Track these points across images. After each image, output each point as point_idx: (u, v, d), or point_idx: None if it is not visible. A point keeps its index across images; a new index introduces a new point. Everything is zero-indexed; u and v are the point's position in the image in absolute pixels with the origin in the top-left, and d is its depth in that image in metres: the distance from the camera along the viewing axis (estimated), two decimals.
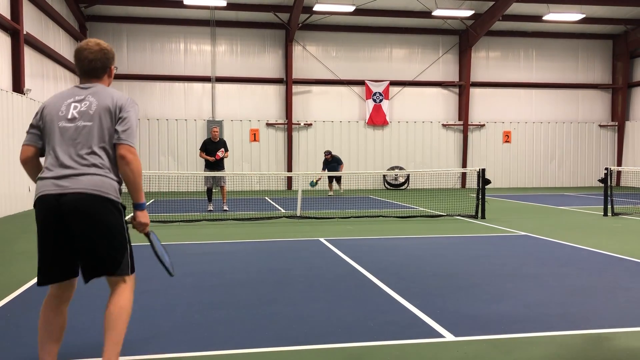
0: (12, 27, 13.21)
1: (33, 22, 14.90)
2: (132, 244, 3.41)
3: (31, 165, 3.29)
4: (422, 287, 5.58)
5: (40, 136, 3.24)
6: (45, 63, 16.03)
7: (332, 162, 18.15)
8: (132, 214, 3.40)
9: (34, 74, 14.98)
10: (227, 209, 12.92)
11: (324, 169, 18.37)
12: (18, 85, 13.44)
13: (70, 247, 3.18)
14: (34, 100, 14.06)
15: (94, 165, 3.12)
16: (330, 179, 17.82)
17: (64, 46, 17.90)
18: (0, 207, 11.78)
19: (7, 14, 13.06)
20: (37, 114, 3.28)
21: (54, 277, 3.30)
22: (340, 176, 18.14)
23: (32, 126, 3.25)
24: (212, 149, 12.78)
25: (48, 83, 16.26)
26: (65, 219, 3.08)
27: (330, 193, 17.50)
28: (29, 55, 14.56)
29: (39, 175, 3.19)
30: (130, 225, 3.40)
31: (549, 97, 23.57)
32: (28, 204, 13.23)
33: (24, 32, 13.76)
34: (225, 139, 17.13)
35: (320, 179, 18.14)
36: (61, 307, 3.39)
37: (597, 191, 18.91)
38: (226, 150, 12.91)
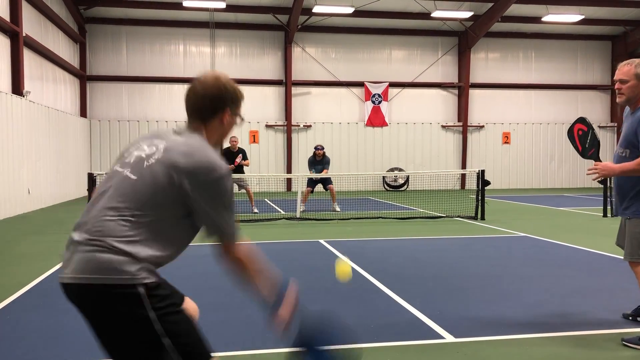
0: (12, 29, 13.22)
1: (32, 24, 14.90)
2: None
3: None
4: (422, 289, 5.59)
5: None
6: (44, 65, 16.03)
7: (320, 163, 13.58)
8: None
9: (33, 76, 14.98)
10: (257, 211, 12.88)
11: (310, 168, 13.66)
12: (17, 87, 13.44)
13: None
14: (33, 103, 14.06)
15: None
16: (314, 184, 13.34)
17: (64, 48, 17.90)
18: (1, 209, 11.77)
19: (6, 16, 13.07)
20: None
21: None
22: (330, 181, 13.30)
23: None
24: (233, 158, 12.61)
25: (47, 85, 16.27)
26: None
27: (302, 208, 12.47)
28: (28, 58, 14.57)
29: None
30: None
31: (548, 98, 23.59)
32: (27, 207, 13.24)
33: (24, 34, 13.77)
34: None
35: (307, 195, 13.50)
36: None
37: (597, 192, 18.92)
38: (245, 158, 12.78)
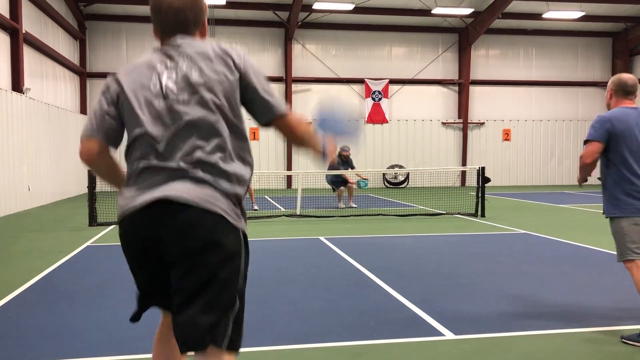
0: (11, 26, 13.20)
1: (32, 21, 14.88)
2: None
3: None
4: (422, 286, 5.59)
5: None
6: (44, 62, 16.02)
7: (345, 164, 13.68)
8: None
9: (33, 73, 14.97)
10: (257, 207, 12.95)
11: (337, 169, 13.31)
12: (17, 84, 13.43)
13: None
14: (33, 100, 14.05)
15: None
16: (343, 183, 13.41)
17: (63, 45, 17.88)
18: (1, 206, 11.78)
19: (6, 13, 13.05)
20: None
21: None
22: (347, 182, 13.43)
23: None
24: None
25: (47, 82, 16.25)
26: None
27: (342, 205, 13.23)
28: (28, 55, 14.55)
29: None
30: None
31: (548, 95, 23.57)
32: (27, 204, 13.24)
33: (23, 31, 13.75)
34: None
35: (367, 178, 13.92)
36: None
37: (597, 189, 18.90)
38: None
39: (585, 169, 4.22)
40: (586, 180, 4.36)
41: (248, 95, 2.19)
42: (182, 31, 2.31)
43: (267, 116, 2.24)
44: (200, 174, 2.08)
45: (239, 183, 2.17)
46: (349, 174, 13.38)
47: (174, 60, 2.21)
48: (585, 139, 4.18)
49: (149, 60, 2.29)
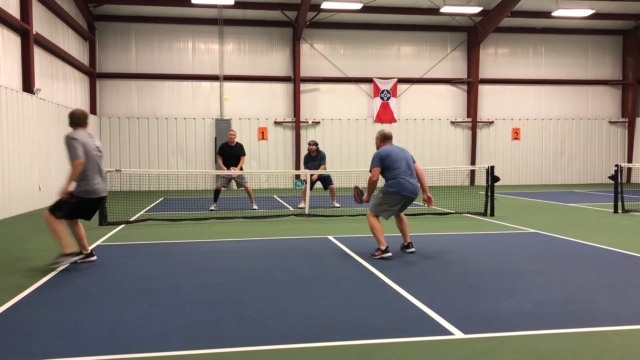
0: (22, 27, 13.31)
1: (42, 22, 14.99)
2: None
3: None
4: (431, 285, 5.58)
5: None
6: (54, 63, 16.13)
7: (315, 159, 13.14)
8: None
9: (44, 73, 15.08)
10: (257, 207, 12.85)
11: (306, 167, 13.25)
12: (28, 85, 13.54)
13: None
14: (43, 100, 14.15)
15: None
16: (312, 183, 12.95)
17: (73, 46, 18.00)
18: (13, 206, 11.88)
19: (16, 14, 13.15)
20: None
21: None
22: (330, 181, 13.20)
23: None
24: (230, 152, 12.64)
25: (57, 83, 16.37)
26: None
27: (302, 205, 12.55)
28: (39, 55, 14.66)
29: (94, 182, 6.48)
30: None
31: (558, 94, 23.43)
32: (39, 203, 13.34)
33: (34, 32, 13.85)
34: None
35: (306, 180, 12.81)
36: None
37: (607, 188, 18.79)
38: (243, 154, 12.77)
39: None
40: None
41: None
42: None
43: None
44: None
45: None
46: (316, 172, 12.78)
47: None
48: None
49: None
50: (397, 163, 6.95)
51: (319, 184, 13.28)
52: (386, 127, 8.43)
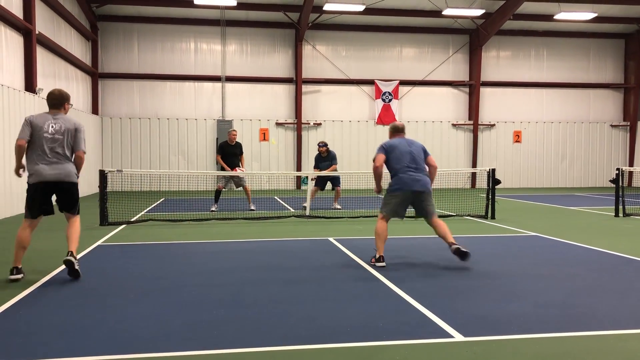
0: (25, 27, 13.33)
1: (45, 22, 15.02)
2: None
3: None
4: (432, 287, 5.58)
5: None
6: (57, 63, 16.16)
7: (325, 159, 13.17)
8: None
9: (46, 73, 15.10)
10: (254, 208, 12.85)
11: (315, 167, 13.43)
12: (30, 84, 13.56)
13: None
14: (45, 100, 14.16)
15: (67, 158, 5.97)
16: (323, 183, 13.03)
17: (76, 46, 18.03)
18: (14, 205, 11.90)
19: (19, 14, 13.18)
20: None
21: (39, 214, 6.04)
22: (339, 182, 13.10)
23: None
24: (230, 151, 12.65)
25: (60, 83, 16.39)
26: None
27: (306, 205, 12.21)
28: (41, 55, 14.68)
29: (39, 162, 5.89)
30: None
31: (559, 97, 23.43)
32: None
33: (36, 32, 13.88)
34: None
35: (314, 179, 13.19)
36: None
37: (608, 192, 18.78)
38: (241, 152, 12.82)
39: None
40: None
41: None
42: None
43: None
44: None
45: None
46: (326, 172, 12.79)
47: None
48: None
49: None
50: (401, 158, 6.66)
51: (329, 184, 13.20)
52: (399, 121, 7.64)
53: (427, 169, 6.80)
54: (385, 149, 6.75)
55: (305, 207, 12.19)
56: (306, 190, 13.09)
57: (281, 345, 3.89)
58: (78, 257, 7.12)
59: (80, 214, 6.21)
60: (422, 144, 6.97)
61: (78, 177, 6.10)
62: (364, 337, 4.05)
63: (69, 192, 5.96)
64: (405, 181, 6.60)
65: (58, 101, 6.07)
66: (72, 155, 5.99)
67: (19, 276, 5.79)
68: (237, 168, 12.57)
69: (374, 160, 6.80)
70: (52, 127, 5.86)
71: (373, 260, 6.67)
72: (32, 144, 5.86)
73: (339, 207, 13.11)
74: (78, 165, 6.04)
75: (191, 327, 4.29)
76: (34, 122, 5.87)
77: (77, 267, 5.81)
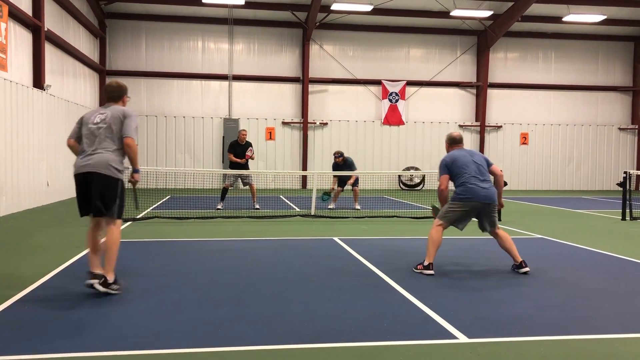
0: (34, 24, 13.40)
1: (54, 19, 15.09)
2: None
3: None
4: (436, 288, 5.57)
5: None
6: (65, 59, 16.23)
7: (343, 167, 13.34)
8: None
9: (54, 70, 15.17)
10: (259, 207, 12.94)
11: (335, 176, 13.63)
12: (38, 81, 13.62)
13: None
14: (53, 96, 14.23)
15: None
16: (343, 182, 13.31)
17: (84, 43, 18.10)
18: (21, 200, 11.96)
19: (28, 11, 13.25)
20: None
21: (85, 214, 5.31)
22: (357, 182, 13.39)
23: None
24: (240, 151, 12.78)
25: (67, 79, 16.46)
26: None
27: (331, 206, 13.19)
28: (50, 52, 14.75)
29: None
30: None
31: (567, 99, 23.33)
32: (47, 199, 13.43)
33: (45, 29, 13.94)
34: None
35: (333, 189, 13.45)
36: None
37: (616, 195, 18.68)
38: (253, 151, 13.02)
39: None
40: None
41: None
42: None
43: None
44: None
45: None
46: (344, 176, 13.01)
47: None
48: None
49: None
50: (466, 167, 6.29)
51: (348, 185, 13.28)
52: (454, 131, 7.84)
53: (492, 179, 6.51)
54: (447, 166, 6.38)
55: (331, 209, 12.83)
56: (318, 195, 13.04)
57: (284, 344, 3.88)
58: (84, 253, 7.13)
59: (120, 219, 5.31)
60: (483, 155, 6.67)
61: (136, 170, 5.37)
62: (368, 337, 4.05)
63: (99, 186, 5.05)
64: (476, 191, 6.23)
65: (117, 94, 5.47)
66: (120, 147, 5.20)
67: (94, 281, 5.08)
68: (247, 153, 12.69)
69: (438, 180, 6.51)
70: (99, 117, 5.25)
71: (420, 267, 6.30)
72: (80, 140, 5.31)
73: (358, 207, 13.19)
74: (129, 155, 5.22)
75: (195, 324, 4.30)
76: (84, 117, 5.37)
77: (109, 291, 4.96)
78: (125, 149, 5.18)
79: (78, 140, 5.31)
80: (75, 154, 5.33)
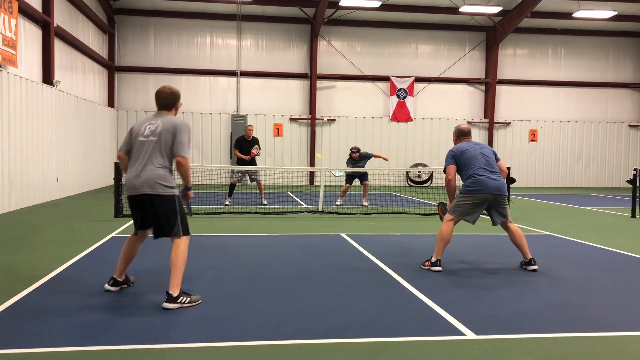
0: (43, 20, 13.46)
1: (63, 15, 15.15)
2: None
3: None
4: (444, 285, 5.56)
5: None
6: (74, 55, 16.29)
7: (359, 162, 13.42)
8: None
9: (63, 66, 15.24)
10: (267, 203, 12.97)
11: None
12: (48, 76, 13.69)
13: None
14: (62, 92, 14.30)
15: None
16: (352, 178, 13.48)
17: (93, 39, 18.16)
18: (30, 195, 12.04)
19: (38, 7, 13.30)
20: None
21: (140, 230, 5.22)
22: (366, 177, 13.43)
23: None
24: (246, 146, 12.84)
25: (77, 75, 16.53)
26: None
27: (339, 202, 13.12)
28: (59, 48, 14.81)
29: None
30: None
31: (577, 96, 23.17)
32: (56, 194, 13.50)
33: (55, 25, 14.00)
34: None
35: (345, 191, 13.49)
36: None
37: (625, 192, 18.56)
38: (259, 147, 13.06)
39: None
40: None
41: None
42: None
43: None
44: None
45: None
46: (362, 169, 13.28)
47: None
48: None
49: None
50: (474, 159, 6.22)
51: (356, 181, 13.40)
52: (462, 123, 8.17)
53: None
54: (454, 157, 6.32)
55: (339, 205, 12.72)
56: (338, 177, 13.32)
57: (292, 339, 3.90)
58: (92, 248, 7.18)
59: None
60: (492, 148, 6.55)
61: (189, 188, 5.06)
62: (375, 333, 4.05)
63: (155, 208, 4.81)
64: (485, 182, 6.13)
65: (169, 101, 5.07)
66: (169, 162, 4.89)
67: (112, 288, 5.11)
68: (252, 151, 12.72)
69: (444, 171, 6.41)
70: (149, 128, 4.88)
71: (427, 263, 6.26)
72: (130, 152, 4.96)
73: (366, 204, 13.14)
74: (181, 173, 4.90)
75: (202, 319, 4.31)
76: (134, 127, 5.01)
77: (182, 305, 4.62)
78: (178, 169, 4.85)
79: (129, 153, 4.97)
80: (124, 168, 5.08)
